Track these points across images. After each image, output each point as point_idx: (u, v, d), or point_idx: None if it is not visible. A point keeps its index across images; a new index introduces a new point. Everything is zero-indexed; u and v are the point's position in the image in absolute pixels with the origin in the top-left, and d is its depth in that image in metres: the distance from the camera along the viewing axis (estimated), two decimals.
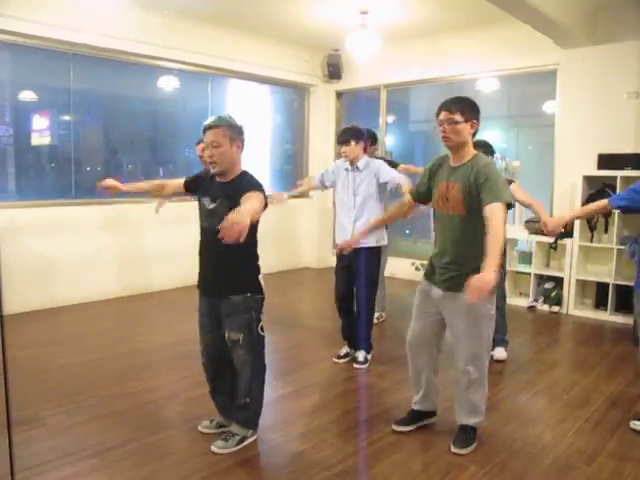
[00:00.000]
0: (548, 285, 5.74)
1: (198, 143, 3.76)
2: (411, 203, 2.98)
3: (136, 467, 2.57)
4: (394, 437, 2.88)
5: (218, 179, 2.65)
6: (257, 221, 2.54)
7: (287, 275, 7.26)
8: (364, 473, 2.59)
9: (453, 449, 2.72)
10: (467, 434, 2.78)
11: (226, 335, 2.66)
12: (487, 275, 2.23)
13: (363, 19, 5.78)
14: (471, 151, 2.62)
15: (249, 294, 2.64)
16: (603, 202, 2.96)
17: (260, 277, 2.70)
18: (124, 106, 6.31)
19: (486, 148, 3.95)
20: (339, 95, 7.95)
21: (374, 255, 3.86)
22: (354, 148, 3.81)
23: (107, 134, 6.33)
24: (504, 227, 2.43)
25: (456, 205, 2.58)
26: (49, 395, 3.34)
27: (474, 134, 2.62)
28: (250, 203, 2.34)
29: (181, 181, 2.89)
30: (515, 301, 5.87)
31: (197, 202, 2.74)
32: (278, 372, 3.89)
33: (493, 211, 2.40)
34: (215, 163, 2.58)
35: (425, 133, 7.75)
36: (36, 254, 5.24)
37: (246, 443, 2.74)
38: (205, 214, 2.67)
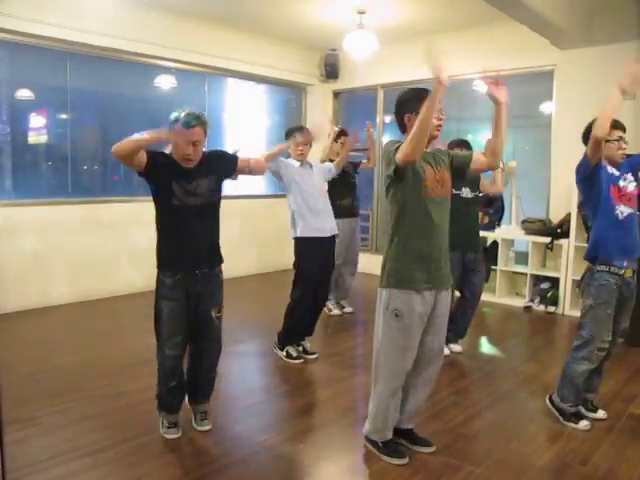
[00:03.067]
0: (544, 285, 5.74)
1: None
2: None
3: (130, 466, 2.56)
4: None
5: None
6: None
7: (272, 276, 7.23)
8: (359, 474, 2.59)
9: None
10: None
11: (211, 312, 2.77)
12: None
13: (360, 19, 5.78)
14: None
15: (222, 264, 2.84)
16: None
17: None
18: (121, 105, 6.29)
19: (465, 147, 4.03)
20: (336, 95, 7.95)
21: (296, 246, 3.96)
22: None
23: (104, 133, 6.32)
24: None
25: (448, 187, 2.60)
26: (43, 394, 3.33)
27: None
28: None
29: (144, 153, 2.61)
30: (511, 301, 5.88)
31: (160, 183, 2.66)
32: (271, 372, 3.89)
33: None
34: (194, 160, 2.66)
35: None
36: (32, 252, 5.22)
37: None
38: (184, 194, 2.66)
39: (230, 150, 3.03)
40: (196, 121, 2.60)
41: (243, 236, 6.93)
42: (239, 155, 2.91)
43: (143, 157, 2.56)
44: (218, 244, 2.83)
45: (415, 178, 2.47)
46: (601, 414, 3.11)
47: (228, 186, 2.98)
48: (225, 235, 2.92)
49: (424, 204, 2.47)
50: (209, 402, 2.95)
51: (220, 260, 2.83)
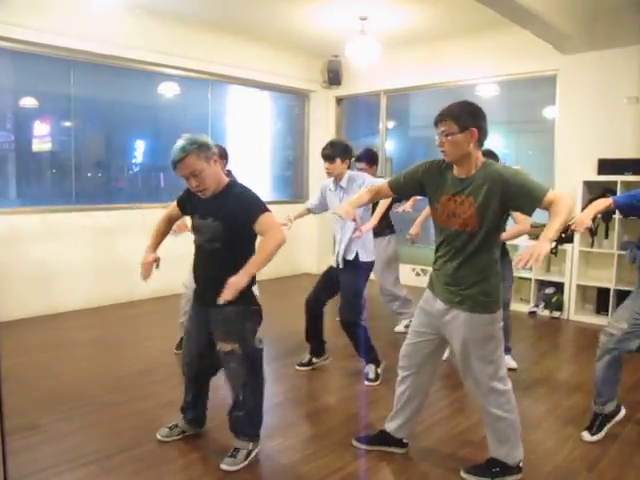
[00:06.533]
0: (549, 290, 5.72)
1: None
2: (386, 191, 2.64)
3: (135, 474, 2.56)
4: None
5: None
6: (254, 233, 2.54)
7: (286, 281, 7.25)
8: None
9: (463, 474, 2.55)
10: (489, 467, 2.53)
11: (217, 347, 2.61)
12: (541, 243, 2.07)
13: (362, 25, 5.79)
14: (478, 160, 2.32)
15: (242, 306, 2.55)
16: (608, 200, 2.78)
17: (254, 288, 2.63)
18: (124, 112, 6.32)
19: (491, 158, 3.94)
20: (339, 101, 7.96)
21: (354, 268, 3.71)
22: (338, 166, 3.67)
23: (107, 140, 6.34)
24: (570, 200, 2.21)
25: (466, 221, 2.31)
26: (48, 402, 3.33)
27: (480, 142, 2.31)
28: (261, 250, 2.46)
29: (174, 204, 2.80)
30: (516, 307, 5.85)
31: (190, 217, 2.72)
32: (276, 379, 3.88)
33: (551, 198, 2.18)
34: (205, 189, 2.51)
35: (425, 139, 7.73)
36: (36, 260, 5.24)
37: (252, 456, 2.67)
38: (195, 230, 2.66)
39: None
40: (182, 153, 2.43)
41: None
42: (263, 218, 2.47)
43: (176, 210, 2.78)
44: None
45: None
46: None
47: None
48: None
49: (436, 227, 2.56)
50: (240, 439, 2.68)
51: (234, 302, 2.43)
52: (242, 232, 2.52)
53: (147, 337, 4.76)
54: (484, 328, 2.37)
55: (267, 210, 2.51)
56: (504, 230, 2.43)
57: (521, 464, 2.51)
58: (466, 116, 2.26)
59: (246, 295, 2.53)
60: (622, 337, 2.85)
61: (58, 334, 4.81)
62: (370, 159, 4.66)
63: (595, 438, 2.95)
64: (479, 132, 2.27)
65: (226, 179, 2.63)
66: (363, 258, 3.69)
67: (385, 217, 4.39)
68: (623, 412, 3.06)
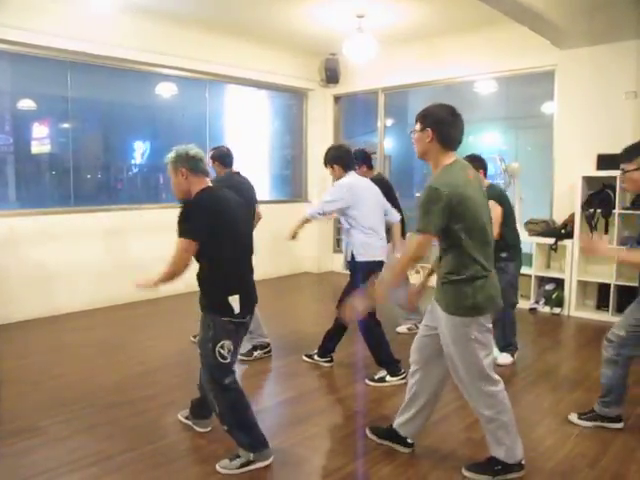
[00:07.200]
0: (549, 287, 5.71)
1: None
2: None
3: (135, 475, 2.55)
4: None
5: None
6: (206, 243, 2.50)
7: (287, 280, 7.25)
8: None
9: (465, 471, 2.55)
10: (490, 465, 2.52)
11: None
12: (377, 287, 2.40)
13: (360, 23, 5.78)
14: (440, 163, 2.41)
15: (209, 314, 2.58)
16: None
17: (231, 299, 2.55)
18: (122, 113, 6.32)
19: (474, 162, 3.94)
20: (337, 99, 7.95)
21: (352, 268, 3.79)
22: (334, 171, 3.84)
23: (105, 141, 6.34)
24: (410, 256, 2.40)
25: None
26: (48, 404, 3.32)
27: (443, 144, 2.39)
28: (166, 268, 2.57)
29: None
30: None
31: None
32: (278, 378, 3.88)
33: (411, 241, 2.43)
34: (176, 196, 2.68)
35: None
36: (36, 262, 5.23)
37: (252, 468, 2.58)
38: None
39: None
40: (166, 161, 2.65)
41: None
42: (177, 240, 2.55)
43: None
44: (203, 285, 2.61)
45: None
46: None
47: None
48: None
49: None
50: (241, 449, 2.63)
51: (203, 304, 2.61)
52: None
53: (148, 338, 4.76)
54: (458, 329, 2.38)
55: (183, 234, 2.50)
56: (462, 237, 2.32)
57: (523, 461, 2.50)
58: (426, 117, 2.42)
59: (214, 305, 2.57)
60: (621, 343, 2.92)
61: (58, 336, 4.81)
62: (358, 159, 4.48)
63: (578, 422, 3.05)
64: (433, 132, 2.37)
65: (197, 190, 2.59)
66: (358, 258, 3.72)
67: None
68: (621, 425, 3.02)
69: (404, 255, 2.47)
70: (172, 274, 2.57)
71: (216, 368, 2.57)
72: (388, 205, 3.99)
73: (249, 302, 2.64)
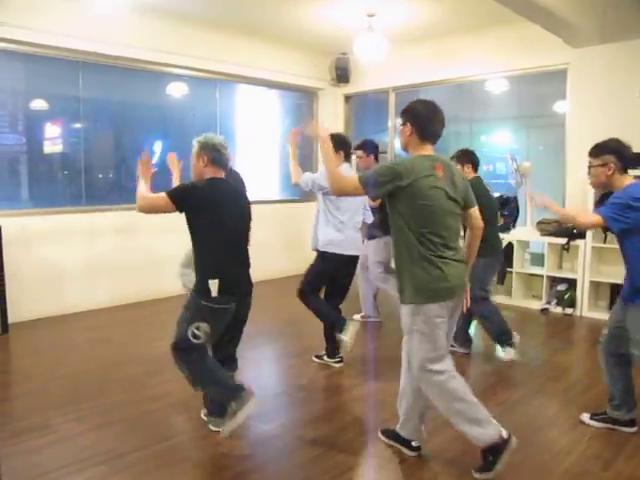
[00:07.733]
0: (561, 287, 5.66)
1: None
2: None
3: (147, 474, 2.56)
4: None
5: None
6: (192, 224, 2.72)
7: (294, 280, 7.19)
8: None
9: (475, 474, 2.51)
10: (486, 459, 2.47)
11: None
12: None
13: (370, 22, 5.77)
14: (415, 153, 2.55)
15: (195, 296, 2.74)
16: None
17: (211, 282, 2.67)
18: (133, 113, 6.34)
19: (465, 157, 3.98)
20: (347, 98, 7.94)
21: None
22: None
23: (117, 141, 6.37)
24: (330, 169, 2.53)
25: None
26: (59, 402, 3.34)
27: (421, 137, 2.51)
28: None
29: None
30: (528, 304, 5.81)
31: None
32: (285, 378, 3.87)
33: None
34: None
35: None
36: (47, 261, 5.27)
37: (240, 414, 2.70)
38: None
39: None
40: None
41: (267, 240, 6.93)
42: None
43: None
44: (194, 269, 2.80)
45: None
46: None
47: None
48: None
49: None
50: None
51: (194, 288, 2.78)
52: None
53: (158, 337, 4.75)
54: (404, 319, 2.53)
55: (168, 191, 2.70)
56: (411, 223, 2.45)
57: (505, 435, 2.40)
58: (407, 112, 2.57)
59: (197, 287, 2.75)
60: (607, 340, 2.99)
61: (69, 335, 4.83)
62: (366, 148, 4.61)
63: (590, 422, 3.05)
64: (412, 126, 2.51)
65: (206, 177, 2.79)
66: (315, 245, 3.94)
67: (384, 220, 4.40)
68: (634, 429, 2.97)
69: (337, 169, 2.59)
70: (138, 203, 2.76)
71: (185, 346, 2.71)
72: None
73: (236, 290, 2.76)
